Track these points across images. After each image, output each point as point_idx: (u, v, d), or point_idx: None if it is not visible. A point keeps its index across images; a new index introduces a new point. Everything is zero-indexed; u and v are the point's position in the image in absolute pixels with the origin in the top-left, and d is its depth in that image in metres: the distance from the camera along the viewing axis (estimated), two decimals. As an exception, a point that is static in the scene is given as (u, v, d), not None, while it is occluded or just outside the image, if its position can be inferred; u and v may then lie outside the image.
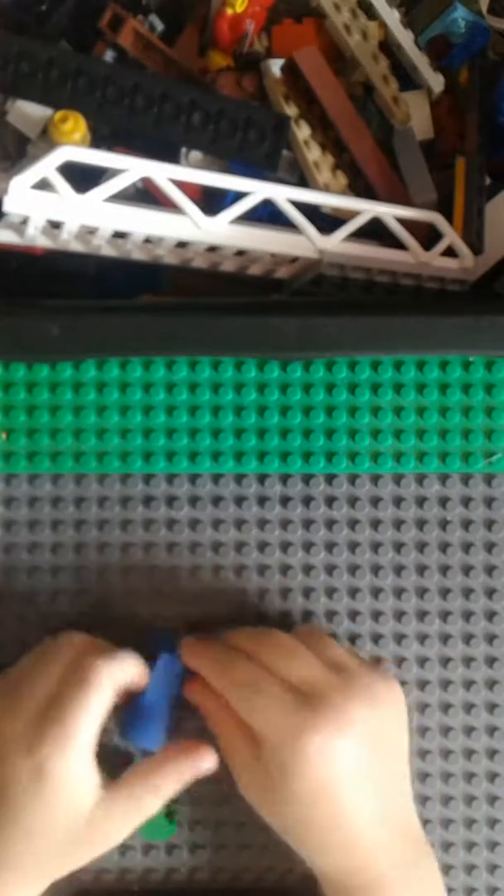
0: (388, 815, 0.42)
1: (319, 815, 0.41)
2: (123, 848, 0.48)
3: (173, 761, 0.44)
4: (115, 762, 0.45)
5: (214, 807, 0.48)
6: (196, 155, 0.51)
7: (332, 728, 0.40)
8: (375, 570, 0.49)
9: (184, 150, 0.50)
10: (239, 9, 0.51)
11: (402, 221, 0.50)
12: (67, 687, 0.42)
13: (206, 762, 0.44)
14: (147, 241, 0.47)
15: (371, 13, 0.54)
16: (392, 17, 0.54)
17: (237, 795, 0.48)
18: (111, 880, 0.48)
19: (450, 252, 0.51)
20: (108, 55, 0.52)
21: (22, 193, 0.42)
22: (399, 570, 0.49)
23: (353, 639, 0.49)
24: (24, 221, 0.44)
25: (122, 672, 0.43)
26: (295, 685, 0.42)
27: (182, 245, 0.48)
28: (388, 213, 0.50)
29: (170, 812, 0.47)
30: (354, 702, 0.42)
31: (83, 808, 0.41)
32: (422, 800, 0.48)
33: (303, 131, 0.52)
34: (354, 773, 0.41)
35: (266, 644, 0.44)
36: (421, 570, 0.49)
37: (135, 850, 0.48)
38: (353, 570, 0.49)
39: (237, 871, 0.48)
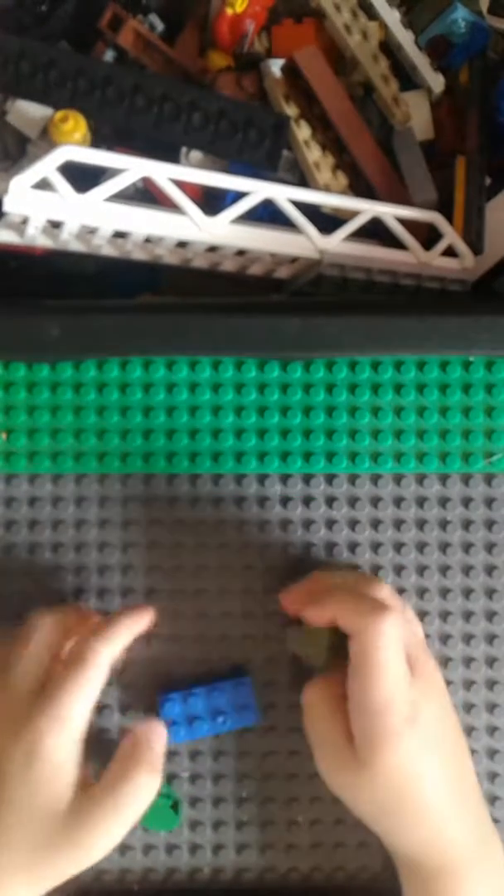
0: (466, 791, 0.43)
1: (405, 793, 0.41)
2: (123, 848, 0.48)
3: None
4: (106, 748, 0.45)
5: (214, 807, 0.48)
6: (196, 155, 0.51)
7: (424, 697, 0.41)
8: (375, 570, 0.49)
9: (184, 149, 0.51)
10: (239, 9, 0.51)
11: (403, 221, 0.50)
12: (63, 667, 0.42)
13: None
14: (147, 240, 0.47)
15: (371, 13, 0.54)
16: (392, 17, 0.54)
17: (237, 795, 0.48)
18: (111, 881, 0.48)
19: (450, 252, 0.51)
20: (109, 55, 0.52)
21: (22, 193, 0.42)
22: (399, 570, 0.49)
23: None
24: (25, 221, 0.44)
25: (116, 648, 0.43)
26: (409, 658, 0.42)
27: (182, 245, 0.48)
28: (389, 213, 0.50)
29: (174, 803, 0.47)
30: (436, 670, 0.43)
31: (71, 790, 0.41)
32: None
33: (303, 131, 0.52)
34: (438, 746, 0.41)
35: (398, 604, 0.44)
36: (421, 570, 0.49)
37: (134, 850, 0.48)
38: (355, 570, 0.49)
39: (237, 871, 0.48)
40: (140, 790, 0.41)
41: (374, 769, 0.40)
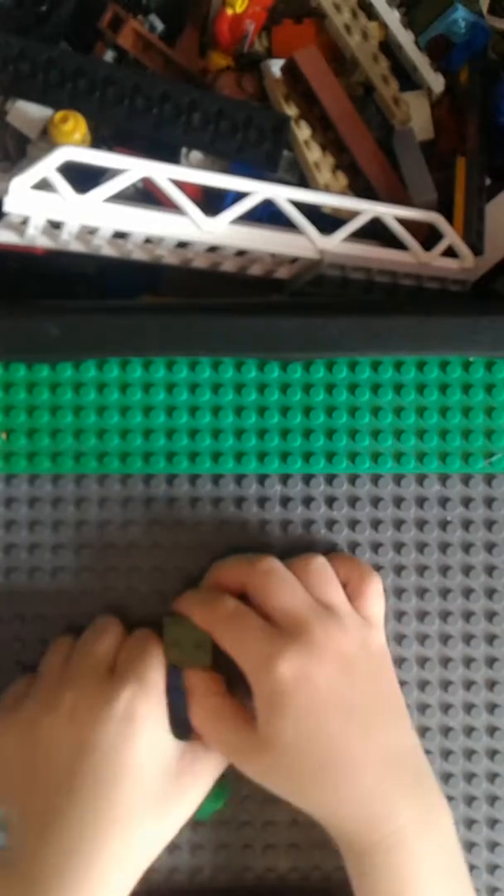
0: (392, 753, 0.41)
1: (312, 755, 0.40)
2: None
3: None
4: None
5: (215, 807, 0.48)
6: (196, 155, 0.51)
7: (305, 653, 0.41)
8: (375, 570, 0.49)
9: (184, 150, 0.51)
10: (239, 9, 0.51)
11: (403, 221, 0.50)
12: (129, 653, 0.44)
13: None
14: (147, 241, 0.47)
15: (371, 13, 0.54)
16: (392, 17, 0.54)
17: (238, 795, 0.48)
18: (111, 880, 0.48)
19: (450, 252, 0.51)
20: (108, 55, 0.52)
21: (22, 194, 0.42)
22: (399, 570, 0.49)
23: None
24: (25, 222, 0.44)
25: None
26: (276, 618, 0.42)
27: (182, 245, 0.47)
28: (389, 213, 0.50)
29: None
30: (335, 633, 0.42)
31: (171, 749, 0.42)
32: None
33: (303, 132, 0.52)
34: (338, 703, 0.40)
35: (254, 573, 0.44)
36: (421, 570, 0.49)
37: (135, 850, 0.48)
38: (354, 570, 0.49)
39: (238, 870, 0.48)
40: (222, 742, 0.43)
41: (271, 735, 0.40)
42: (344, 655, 0.42)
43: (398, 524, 0.49)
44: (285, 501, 0.49)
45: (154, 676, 0.43)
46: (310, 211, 0.48)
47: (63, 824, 0.40)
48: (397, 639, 0.49)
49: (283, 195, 0.48)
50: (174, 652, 0.44)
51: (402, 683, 0.47)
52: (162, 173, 0.45)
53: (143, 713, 0.41)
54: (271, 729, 0.41)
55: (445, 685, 0.49)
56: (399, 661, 0.49)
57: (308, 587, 0.44)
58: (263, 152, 0.50)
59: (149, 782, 0.41)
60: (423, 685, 0.49)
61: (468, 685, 0.49)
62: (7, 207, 0.42)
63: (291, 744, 0.40)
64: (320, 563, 0.46)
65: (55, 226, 0.45)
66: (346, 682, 0.41)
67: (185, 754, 0.43)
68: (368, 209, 0.49)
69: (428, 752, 0.48)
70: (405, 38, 0.54)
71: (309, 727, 0.40)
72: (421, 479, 0.50)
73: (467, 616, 0.49)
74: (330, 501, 0.49)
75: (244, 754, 0.42)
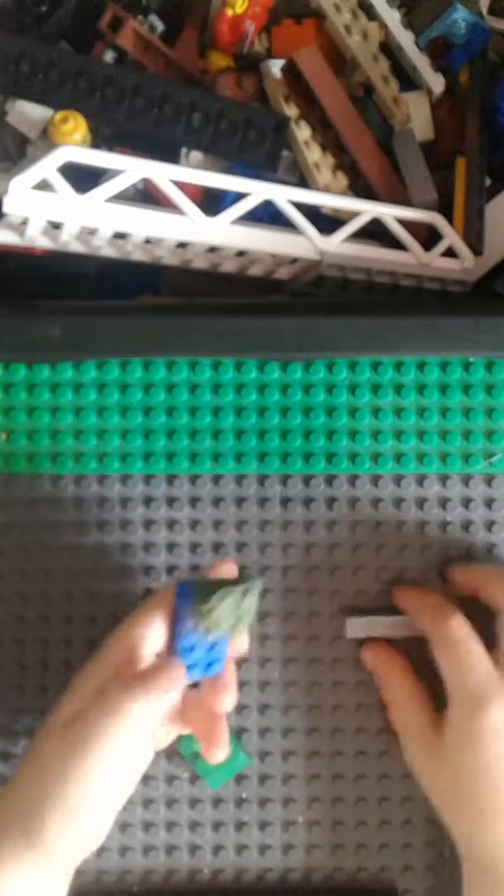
0: None
1: (485, 792, 0.42)
2: (123, 849, 0.48)
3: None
4: None
5: (214, 808, 0.48)
6: (196, 155, 0.51)
7: None
8: (375, 571, 0.49)
9: (184, 150, 0.50)
10: (239, 10, 0.51)
11: (403, 222, 0.50)
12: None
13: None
14: (147, 241, 0.47)
15: (371, 14, 0.54)
16: (392, 17, 0.54)
17: (237, 796, 0.48)
18: (111, 882, 0.48)
19: (450, 253, 0.51)
20: (108, 56, 0.52)
21: (22, 194, 0.42)
22: (402, 571, 0.49)
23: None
24: (25, 222, 0.44)
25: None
26: (498, 653, 0.44)
27: (182, 246, 0.47)
28: (389, 213, 0.50)
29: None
30: None
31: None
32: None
33: (303, 132, 0.52)
34: None
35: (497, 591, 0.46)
36: (422, 571, 0.49)
37: (134, 851, 0.48)
38: (356, 570, 0.49)
39: (237, 871, 0.48)
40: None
41: (455, 745, 0.43)
42: None
43: (398, 525, 0.49)
44: (285, 502, 0.49)
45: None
46: (310, 211, 0.48)
47: None
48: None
49: (283, 196, 0.48)
50: (211, 618, 0.42)
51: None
52: (162, 174, 0.45)
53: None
54: (456, 753, 0.43)
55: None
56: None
57: None
58: (263, 153, 0.50)
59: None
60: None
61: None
62: (7, 208, 0.42)
63: (469, 772, 0.43)
64: None
65: (55, 226, 0.45)
66: None
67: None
68: (368, 210, 0.49)
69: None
70: (405, 38, 0.54)
71: (492, 769, 0.42)
72: (421, 480, 0.50)
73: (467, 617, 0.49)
74: (330, 502, 0.49)
75: (421, 748, 0.45)
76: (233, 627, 0.42)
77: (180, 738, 0.47)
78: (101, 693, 0.40)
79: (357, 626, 0.48)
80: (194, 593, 0.42)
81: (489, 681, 0.43)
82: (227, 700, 0.43)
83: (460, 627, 0.44)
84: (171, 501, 0.49)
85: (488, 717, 0.42)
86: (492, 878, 0.42)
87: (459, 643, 0.44)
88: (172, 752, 0.48)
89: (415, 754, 0.46)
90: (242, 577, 0.43)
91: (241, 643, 0.44)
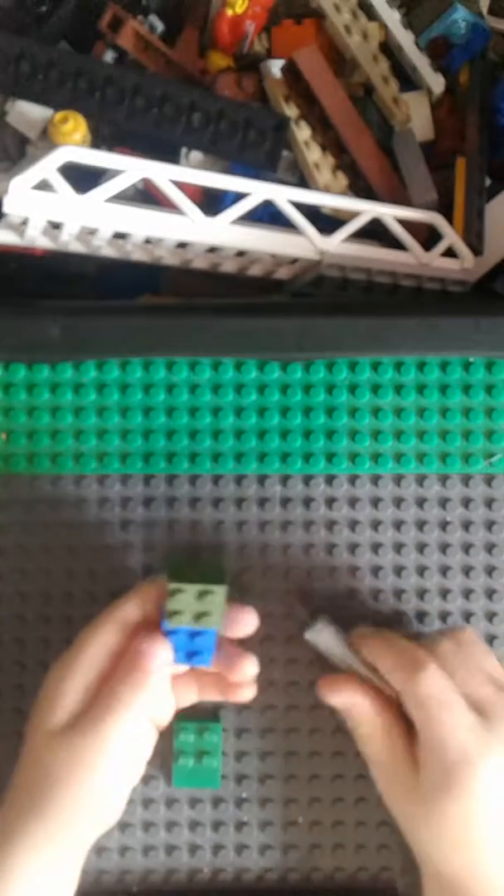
0: None
1: (466, 838, 0.40)
2: (123, 849, 0.48)
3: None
4: None
5: (214, 807, 0.48)
6: (196, 155, 0.51)
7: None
8: (375, 570, 0.49)
9: (184, 150, 0.51)
10: (239, 10, 0.51)
11: (403, 222, 0.50)
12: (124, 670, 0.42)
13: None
14: (147, 241, 0.47)
15: (371, 14, 0.54)
16: (392, 17, 0.54)
17: (237, 796, 0.48)
18: (110, 882, 0.48)
19: (450, 253, 0.51)
20: (108, 56, 0.52)
21: (22, 194, 0.42)
22: (399, 570, 0.49)
23: (353, 640, 0.49)
24: (25, 222, 0.44)
25: (150, 594, 0.43)
26: (476, 703, 0.41)
27: (182, 246, 0.48)
28: (389, 213, 0.50)
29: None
30: None
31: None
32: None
33: (303, 132, 0.52)
34: None
35: (451, 650, 0.43)
36: (421, 571, 0.49)
37: (134, 851, 0.48)
38: (353, 571, 0.49)
39: (237, 871, 0.48)
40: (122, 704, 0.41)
41: (437, 813, 0.40)
42: None
43: (398, 525, 0.49)
44: (285, 502, 0.49)
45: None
46: (310, 211, 0.48)
47: None
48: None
49: (283, 196, 0.48)
50: (179, 617, 0.41)
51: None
52: (162, 174, 0.45)
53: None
54: (443, 803, 0.40)
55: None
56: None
57: (482, 666, 0.43)
58: (263, 153, 0.50)
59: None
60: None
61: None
62: (7, 208, 0.42)
63: (453, 822, 0.40)
64: (471, 635, 0.45)
65: (55, 226, 0.45)
66: None
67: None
68: (368, 210, 0.49)
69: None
70: (405, 38, 0.54)
71: (479, 820, 0.40)
72: (421, 480, 0.49)
73: (467, 616, 0.49)
74: (330, 502, 0.49)
75: (397, 786, 0.43)
76: (192, 623, 0.41)
77: (176, 731, 0.47)
78: (92, 693, 0.41)
79: (317, 634, 0.46)
80: (169, 575, 0.42)
81: (475, 733, 0.40)
82: (243, 672, 0.43)
83: (433, 682, 0.41)
84: (171, 502, 0.49)
85: (481, 774, 0.39)
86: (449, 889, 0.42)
87: (436, 700, 0.41)
88: (172, 753, 0.48)
89: (388, 793, 0.43)
90: (211, 576, 0.42)
91: (242, 624, 0.43)
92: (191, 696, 0.46)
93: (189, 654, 0.42)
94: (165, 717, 0.44)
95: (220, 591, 0.41)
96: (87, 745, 0.40)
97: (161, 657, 0.41)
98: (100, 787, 0.40)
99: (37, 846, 0.40)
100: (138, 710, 0.41)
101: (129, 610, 0.43)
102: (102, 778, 0.40)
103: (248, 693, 0.44)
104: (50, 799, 0.40)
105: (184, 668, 0.44)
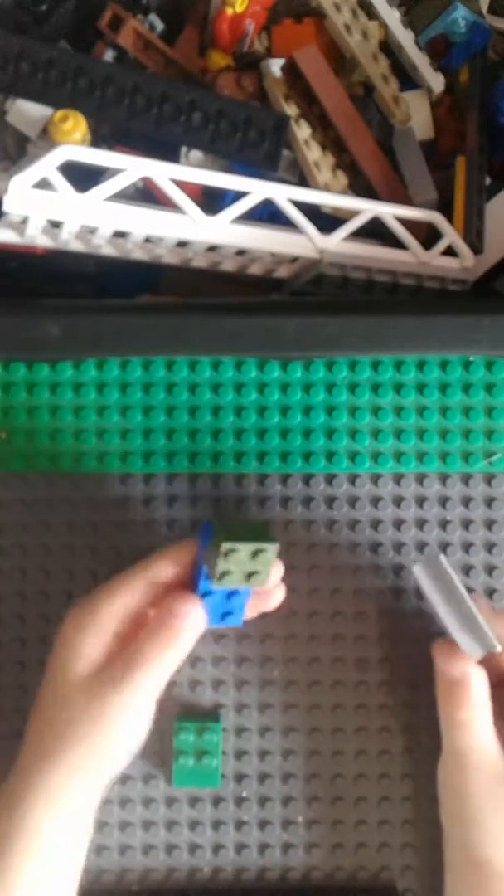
0: None
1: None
2: (123, 848, 0.48)
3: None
4: None
5: (214, 807, 0.48)
6: (196, 154, 0.51)
7: None
8: (376, 570, 0.49)
9: (184, 149, 0.50)
10: (239, 9, 0.51)
11: (403, 221, 0.50)
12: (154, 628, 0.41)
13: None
14: (147, 240, 0.47)
15: (371, 13, 0.54)
16: (392, 16, 0.54)
17: (236, 795, 0.48)
18: (110, 880, 0.48)
19: (450, 252, 0.51)
20: (108, 55, 0.52)
21: (22, 193, 0.42)
22: (399, 570, 0.49)
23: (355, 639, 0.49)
24: (25, 221, 0.44)
25: (181, 555, 0.42)
26: None
27: (182, 245, 0.47)
28: (389, 212, 0.50)
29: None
30: None
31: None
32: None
33: (303, 131, 0.52)
34: None
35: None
36: (421, 569, 0.49)
37: (134, 849, 0.48)
38: (354, 570, 0.49)
39: (236, 870, 0.48)
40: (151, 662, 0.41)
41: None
42: None
43: (398, 524, 0.49)
44: (285, 501, 0.49)
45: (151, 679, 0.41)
46: (310, 210, 0.48)
47: None
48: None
49: (283, 194, 0.48)
50: (230, 577, 0.40)
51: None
52: (162, 172, 0.45)
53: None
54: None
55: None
56: (395, 660, 0.49)
57: None
58: (263, 152, 0.50)
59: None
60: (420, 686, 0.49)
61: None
62: (7, 207, 0.42)
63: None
64: None
65: (55, 225, 0.45)
66: None
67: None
68: (368, 208, 0.49)
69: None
70: (405, 37, 0.54)
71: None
72: (421, 479, 0.49)
73: (467, 616, 0.49)
74: (330, 501, 0.49)
75: (477, 775, 0.43)
76: (243, 582, 0.40)
77: (176, 730, 0.47)
78: (112, 646, 0.41)
79: (431, 567, 0.43)
80: (211, 537, 0.40)
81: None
82: (274, 601, 0.43)
83: (475, 698, 0.43)
84: (171, 501, 0.49)
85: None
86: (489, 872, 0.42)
87: (473, 714, 0.43)
88: (172, 753, 0.48)
89: (460, 775, 0.44)
90: (260, 535, 0.41)
91: (273, 595, 0.43)
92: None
93: (223, 615, 0.42)
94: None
95: (272, 549, 0.40)
96: (108, 700, 0.40)
97: (193, 618, 0.41)
98: (115, 741, 0.40)
99: (51, 794, 0.39)
100: (163, 670, 0.41)
101: (162, 569, 0.42)
102: (119, 733, 0.40)
103: (277, 597, 0.44)
104: (66, 748, 0.40)
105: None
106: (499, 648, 0.42)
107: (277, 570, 0.42)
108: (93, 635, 0.41)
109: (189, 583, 0.42)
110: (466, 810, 0.43)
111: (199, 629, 0.41)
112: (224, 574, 0.40)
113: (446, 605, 0.43)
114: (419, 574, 0.43)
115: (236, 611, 0.42)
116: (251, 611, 0.44)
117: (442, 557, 0.43)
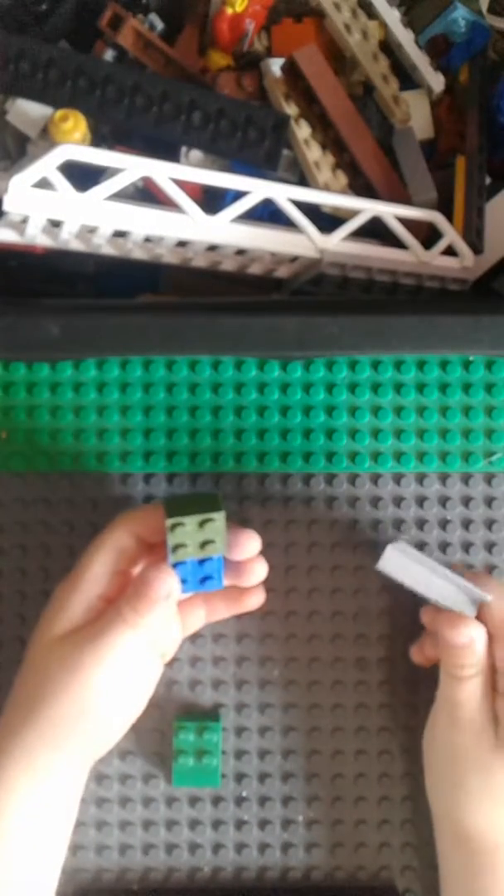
0: None
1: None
2: (123, 847, 0.48)
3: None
4: None
5: (214, 806, 0.48)
6: (196, 154, 0.51)
7: None
8: (375, 570, 0.49)
9: (184, 148, 0.50)
10: (239, 8, 0.51)
11: (403, 220, 0.50)
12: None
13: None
14: (147, 240, 0.47)
15: (371, 12, 0.54)
16: (392, 16, 0.54)
17: (236, 795, 0.48)
18: (111, 880, 0.48)
19: (450, 251, 0.51)
20: (108, 54, 0.52)
21: (22, 192, 0.42)
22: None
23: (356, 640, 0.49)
24: (25, 220, 0.44)
25: (139, 520, 0.43)
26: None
27: (182, 244, 0.47)
28: (389, 212, 0.50)
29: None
30: None
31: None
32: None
33: (303, 130, 0.52)
34: None
35: None
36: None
37: (134, 849, 0.48)
38: (356, 569, 0.49)
39: (236, 869, 0.48)
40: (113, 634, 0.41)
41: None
42: None
43: (398, 524, 0.49)
44: (285, 501, 0.49)
45: (91, 565, 0.43)
46: (310, 210, 0.48)
47: None
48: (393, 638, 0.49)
49: (283, 194, 0.47)
50: (183, 550, 0.42)
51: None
52: (162, 172, 0.45)
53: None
54: None
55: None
56: (390, 661, 0.49)
57: None
58: (263, 151, 0.50)
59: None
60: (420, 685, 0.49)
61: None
62: (7, 206, 0.42)
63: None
64: None
65: (55, 225, 0.45)
66: None
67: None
68: (368, 208, 0.49)
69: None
70: (405, 37, 0.54)
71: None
72: (421, 479, 0.50)
73: (467, 615, 0.49)
74: (330, 501, 0.49)
75: (469, 737, 0.43)
76: (198, 553, 0.42)
77: (176, 730, 0.47)
78: (95, 610, 0.42)
79: (391, 559, 0.44)
80: (165, 512, 0.42)
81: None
82: (255, 576, 0.44)
83: (471, 694, 0.43)
84: (170, 500, 0.49)
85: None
86: (481, 848, 0.43)
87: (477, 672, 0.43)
88: (172, 752, 0.48)
89: (451, 737, 0.44)
90: (207, 505, 0.42)
91: (244, 546, 0.43)
92: (199, 619, 0.46)
93: (201, 580, 0.43)
94: (171, 648, 0.45)
95: (219, 517, 0.41)
96: (84, 653, 0.40)
97: (167, 586, 0.41)
98: (94, 700, 0.41)
99: (32, 750, 0.40)
100: (139, 632, 0.41)
101: (120, 538, 0.43)
102: (97, 691, 0.41)
103: (257, 599, 0.46)
104: (44, 704, 0.40)
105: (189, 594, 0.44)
106: (488, 597, 0.43)
107: (253, 542, 0.43)
108: (75, 598, 0.42)
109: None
110: (451, 767, 0.44)
111: (174, 596, 0.42)
112: (178, 547, 0.41)
113: (425, 581, 0.44)
114: (387, 570, 0.44)
115: (214, 574, 0.43)
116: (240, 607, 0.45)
117: (393, 546, 0.43)
